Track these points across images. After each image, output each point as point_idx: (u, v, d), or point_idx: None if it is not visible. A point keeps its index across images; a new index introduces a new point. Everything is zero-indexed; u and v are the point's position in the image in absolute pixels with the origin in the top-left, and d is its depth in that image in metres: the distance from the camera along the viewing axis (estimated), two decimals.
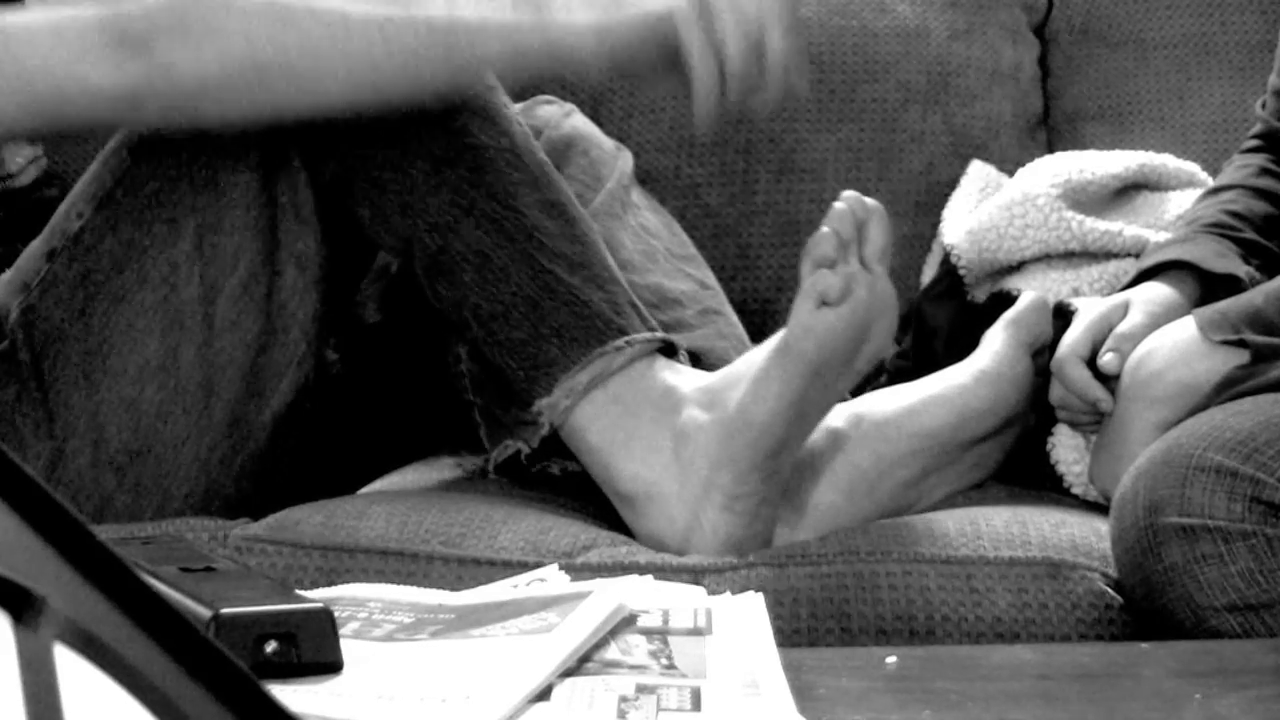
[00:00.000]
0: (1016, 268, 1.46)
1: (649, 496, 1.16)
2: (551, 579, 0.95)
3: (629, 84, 1.71)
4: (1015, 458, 1.32)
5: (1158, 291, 1.26)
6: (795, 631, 1.07)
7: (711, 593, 0.93)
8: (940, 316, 1.48)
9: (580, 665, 0.78)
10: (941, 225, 1.55)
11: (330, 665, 0.78)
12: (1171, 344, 1.18)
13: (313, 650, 0.78)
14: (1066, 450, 1.28)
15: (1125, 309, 1.25)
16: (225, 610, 0.77)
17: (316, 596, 0.89)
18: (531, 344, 1.19)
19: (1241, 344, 1.13)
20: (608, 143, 1.47)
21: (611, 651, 0.80)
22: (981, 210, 1.49)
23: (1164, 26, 1.74)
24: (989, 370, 1.27)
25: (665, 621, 0.85)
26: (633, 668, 0.79)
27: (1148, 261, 1.30)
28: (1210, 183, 1.45)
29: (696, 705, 0.74)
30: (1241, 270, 1.26)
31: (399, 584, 0.98)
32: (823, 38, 1.73)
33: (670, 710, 0.73)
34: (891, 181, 1.67)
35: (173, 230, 1.18)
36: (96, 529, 0.62)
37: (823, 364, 1.12)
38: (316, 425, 1.30)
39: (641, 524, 1.17)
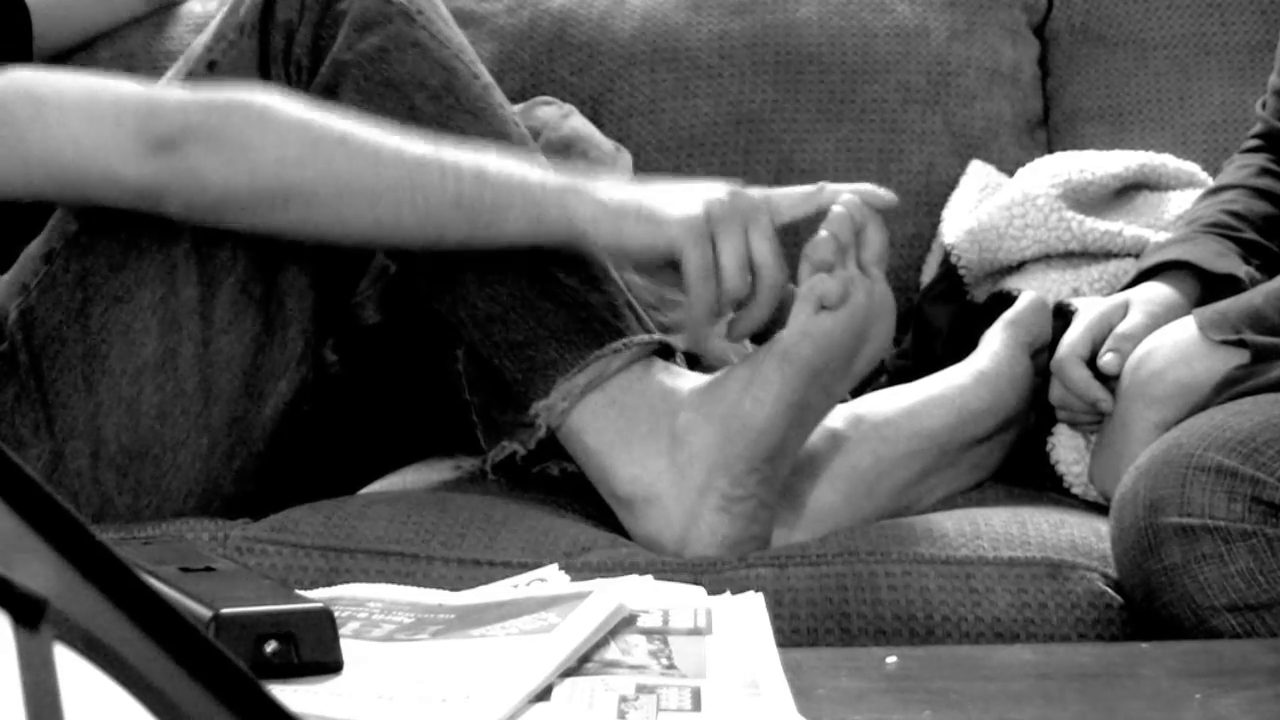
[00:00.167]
0: (1016, 268, 1.46)
1: (646, 499, 1.16)
2: (551, 579, 0.95)
3: (629, 84, 1.71)
4: (1015, 458, 1.32)
5: (1158, 291, 1.26)
6: (795, 632, 1.07)
7: (711, 593, 0.93)
8: (940, 316, 1.47)
9: (580, 665, 0.78)
10: (941, 225, 1.55)
11: (330, 665, 0.78)
12: (1171, 344, 1.18)
13: (313, 650, 0.78)
14: (1066, 450, 1.28)
15: (1125, 309, 1.25)
16: (225, 610, 0.77)
17: (316, 596, 0.89)
18: (529, 346, 1.18)
19: (1241, 344, 1.13)
20: (607, 143, 1.47)
21: (611, 651, 0.80)
22: (981, 210, 1.49)
23: (1164, 26, 1.74)
24: (988, 371, 1.27)
25: (665, 621, 0.85)
26: (633, 668, 0.79)
27: (1147, 261, 1.30)
28: (1210, 183, 1.45)
29: (696, 705, 0.74)
30: (1241, 270, 1.26)
31: (399, 584, 0.98)
32: (823, 38, 1.73)
33: (670, 710, 0.73)
34: (892, 181, 1.66)
35: (171, 230, 1.18)
36: (96, 529, 0.62)
37: (821, 368, 1.12)
38: (315, 426, 1.30)
39: (639, 526, 1.16)
